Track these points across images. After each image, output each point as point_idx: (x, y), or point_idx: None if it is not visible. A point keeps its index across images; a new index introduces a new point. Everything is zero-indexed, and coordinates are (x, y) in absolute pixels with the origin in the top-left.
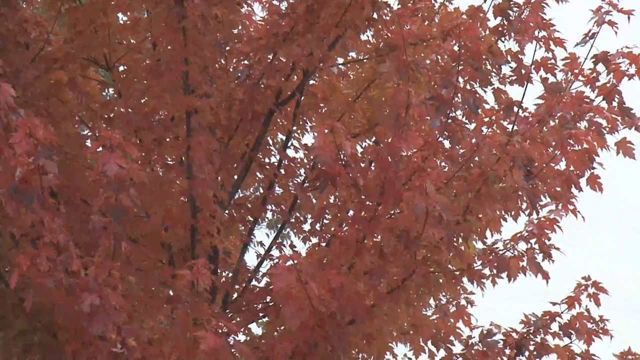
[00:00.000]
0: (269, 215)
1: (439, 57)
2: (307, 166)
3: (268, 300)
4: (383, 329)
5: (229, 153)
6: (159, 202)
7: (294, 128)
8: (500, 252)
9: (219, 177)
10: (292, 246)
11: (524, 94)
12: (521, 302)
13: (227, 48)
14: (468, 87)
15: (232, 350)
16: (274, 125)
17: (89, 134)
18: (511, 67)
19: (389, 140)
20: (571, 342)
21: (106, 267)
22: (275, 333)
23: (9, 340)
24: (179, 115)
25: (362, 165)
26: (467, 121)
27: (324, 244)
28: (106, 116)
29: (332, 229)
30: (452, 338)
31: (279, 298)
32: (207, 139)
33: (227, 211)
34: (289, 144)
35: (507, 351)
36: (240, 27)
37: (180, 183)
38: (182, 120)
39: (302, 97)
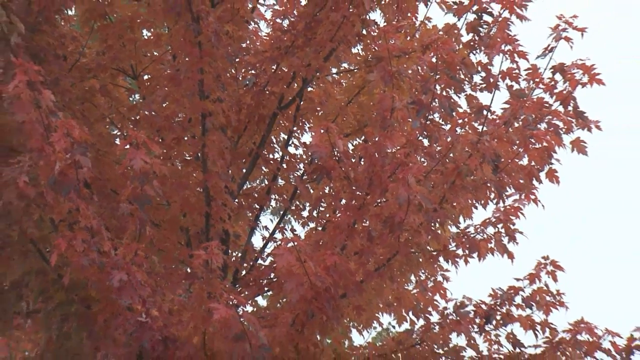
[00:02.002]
0: (273, 203)
1: (419, 67)
2: (306, 161)
3: (272, 276)
4: (371, 301)
5: (238, 150)
6: (178, 192)
7: (294, 128)
8: (472, 236)
9: (230, 171)
10: (292, 230)
11: (492, 99)
12: (489, 278)
13: (237, 59)
14: (444, 93)
15: (241, 320)
16: (277, 126)
17: (118, 133)
18: (481, 76)
19: (376, 139)
20: (532, 313)
21: (133, 248)
22: (278, 305)
23: (50, 310)
24: (195, 117)
25: (353, 160)
26: (443, 122)
27: (320, 228)
28: (132, 118)
29: (327, 215)
30: (430, 309)
31: (281, 275)
32: (220, 138)
33: (236, 200)
34: (290, 142)
35: (477, 320)
36: (248, 42)
37: (196, 176)
38: (198, 122)
39: (301, 102)
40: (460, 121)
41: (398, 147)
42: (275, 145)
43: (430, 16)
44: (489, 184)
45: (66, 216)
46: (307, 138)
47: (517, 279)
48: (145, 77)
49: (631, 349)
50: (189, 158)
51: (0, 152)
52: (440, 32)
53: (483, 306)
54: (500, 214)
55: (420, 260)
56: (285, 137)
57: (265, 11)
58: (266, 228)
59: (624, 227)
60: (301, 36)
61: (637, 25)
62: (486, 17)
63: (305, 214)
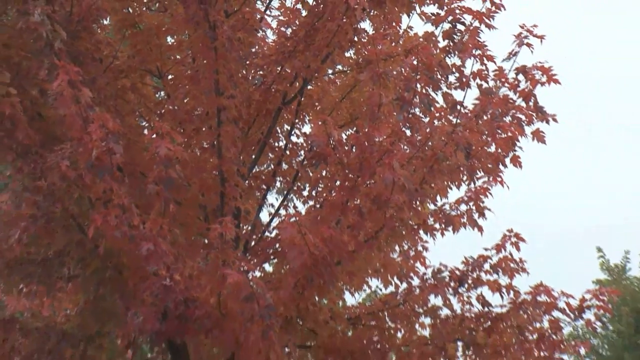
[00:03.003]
0: (278, 184)
1: (402, 69)
2: (306, 149)
3: (277, 246)
4: (361, 268)
5: (248, 139)
6: (197, 175)
7: (296, 121)
8: (447, 212)
9: (241, 157)
10: (294, 207)
11: (464, 96)
12: (462, 248)
13: (247, 62)
14: (424, 91)
15: (250, 283)
16: (281, 118)
17: (146, 125)
18: (455, 77)
19: (366, 129)
20: (498, 277)
21: (158, 222)
22: (282, 271)
23: (87, 276)
24: (212, 111)
25: (346, 148)
26: (423, 116)
27: (318, 206)
28: (158, 112)
29: (324, 194)
30: (411, 274)
31: (284, 245)
32: (232, 129)
33: (247, 181)
34: (292, 132)
35: (452, 284)
36: (256, 47)
37: (212, 161)
38: (214, 115)
39: (302, 98)
40: (437, 115)
41: (384, 137)
42: (280, 135)
43: (411, 25)
44: (462, 168)
45: (101, 195)
46: (307, 129)
47: (486, 249)
48: (169, 76)
49: (583, 308)
50: (206, 146)
51: (46, 140)
52: (421, 39)
53: (457, 272)
54: (471, 193)
55: (404, 232)
56: (288, 128)
57: (272, 21)
58: (272, 205)
59: (575, 205)
60: (302, 42)
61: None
62: (459, 26)
63: (305, 193)
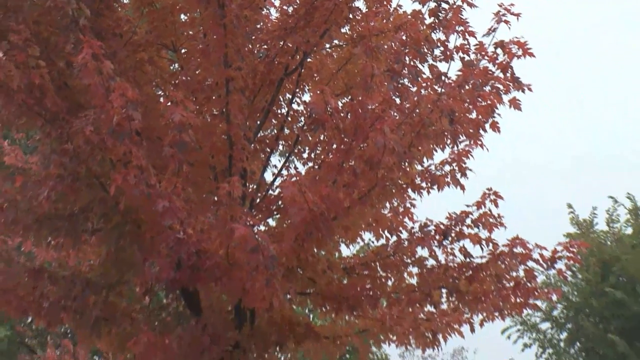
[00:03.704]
0: (280, 147)
1: (393, 43)
2: (305, 115)
3: (279, 203)
4: (355, 222)
5: (254, 107)
6: (208, 139)
7: (297, 90)
8: (433, 172)
9: (247, 123)
10: (295, 168)
11: (448, 68)
12: (446, 205)
13: (253, 37)
14: (412, 63)
15: (256, 236)
16: (284, 88)
17: (162, 94)
18: (440, 50)
19: (360, 98)
20: (479, 231)
21: (172, 181)
22: (284, 225)
23: (109, 229)
24: (221, 82)
25: (342, 114)
26: (411, 86)
27: (316, 167)
28: (173, 82)
29: (322, 156)
30: (400, 228)
31: (286, 202)
32: (239, 97)
33: (252, 145)
34: (294, 101)
35: (437, 237)
36: (261, 23)
37: (221, 126)
38: (223, 85)
39: (302, 70)
40: (424, 85)
41: (376, 105)
42: (282, 103)
43: (401, 4)
44: (446, 133)
45: (121, 157)
46: (306, 97)
47: (468, 205)
48: (183, 50)
49: (554, 259)
50: (216, 113)
51: (71, 108)
52: (409, 17)
53: (441, 226)
54: (454, 155)
55: (393, 191)
56: (290, 96)
57: (275, 0)
58: (275, 166)
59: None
60: (302, 19)
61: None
62: (444, 5)
63: (305, 155)
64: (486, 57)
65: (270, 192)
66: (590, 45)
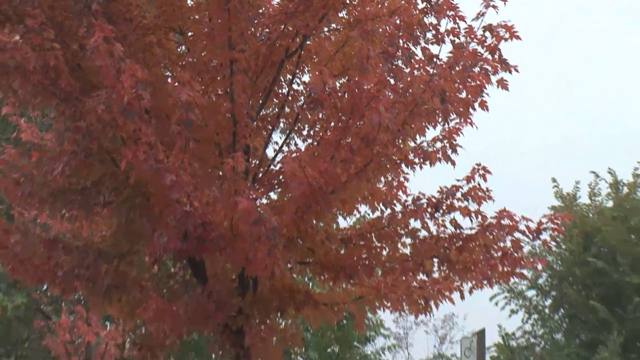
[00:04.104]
0: (281, 125)
1: (387, 27)
2: (305, 95)
3: (280, 178)
4: (352, 196)
5: (256, 87)
6: (213, 117)
7: (297, 71)
8: (425, 148)
9: (250, 102)
10: (295, 145)
11: (439, 50)
12: (438, 179)
13: (255, 21)
14: (405, 46)
15: (258, 209)
16: (284, 69)
17: (169, 75)
18: (432, 34)
19: (356, 78)
20: (468, 204)
21: (180, 157)
22: (285, 198)
23: (120, 202)
24: (225, 63)
25: (339, 94)
26: (404, 67)
27: (315, 144)
28: (180, 64)
29: (321, 134)
30: (395, 201)
31: (287, 177)
32: (243, 78)
33: (255, 122)
34: (294, 81)
35: (429, 209)
36: (263, 8)
37: (225, 105)
38: (227, 66)
39: (302, 52)
40: (417, 66)
41: (372, 85)
42: (283, 83)
43: None
44: (437, 111)
45: (132, 134)
46: (306, 78)
47: (458, 180)
48: (189, 33)
49: (540, 230)
50: (220, 92)
51: (84, 88)
52: (403, 2)
53: (433, 199)
54: (445, 133)
55: (388, 166)
56: (290, 77)
57: None
58: (276, 143)
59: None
60: (302, 4)
61: None
62: None
63: (304, 132)
64: (475, 40)
65: (272, 167)
66: (579, 30)
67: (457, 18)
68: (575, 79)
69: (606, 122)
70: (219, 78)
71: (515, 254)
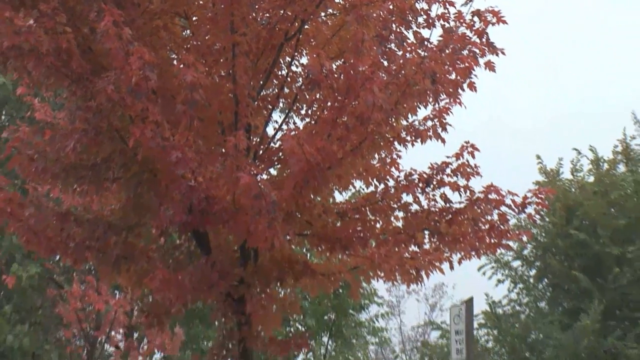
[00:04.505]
0: (281, 104)
1: (381, 12)
2: (303, 76)
3: (280, 155)
4: (348, 172)
5: (257, 68)
6: (216, 97)
7: (296, 54)
8: (417, 127)
9: (251, 83)
10: (294, 123)
11: (430, 34)
12: (428, 156)
13: (256, 6)
14: (398, 30)
15: (259, 184)
16: (284, 52)
17: (175, 57)
18: (423, 18)
19: (352, 61)
20: (457, 179)
21: (185, 135)
22: (284, 174)
23: (128, 178)
24: (228, 46)
25: (336, 76)
26: (397, 50)
27: (313, 122)
28: (185, 47)
29: (318, 113)
30: (388, 177)
31: (286, 154)
32: (245, 60)
33: (256, 102)
34: (293, 63)
35: (420, 185)
36: None
37: (228, 86)
38: (229, 49)
39: (300, 36)
40: (409, 49)
41: (366, 67)
42: (283, 65)
43: None
44: (428, 92)
45: (139, 113)
46: (304, 60)
47: (447, 157)
48: (194, 18)
49: (525, 204)
50: (223, 74)
51: (94, 69)
52: None
53: (424, 175)
54: (436, 112)
55: (381, 143)
56: (289, 59)
57: None
58: (276, 122)
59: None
60: None
61: None
62: None
63: (303, 112)
64: (464, 25)
65: (272, 144)
66: (566, 14)
67: (447, 3)
68: (561, 60)
69: (591, 102)
70: (222, 60)
71: (502, 227)
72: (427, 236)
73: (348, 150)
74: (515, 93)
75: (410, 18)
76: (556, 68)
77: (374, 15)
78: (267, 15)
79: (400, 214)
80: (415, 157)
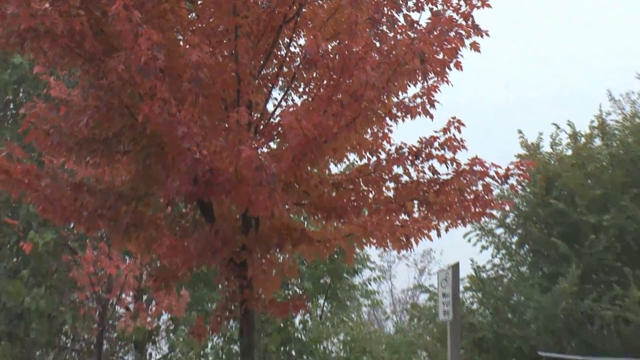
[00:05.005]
0: (280, 83)
1: None
2: (301, 56)
3: (279, 130)
4: (342, 145)
5: (258, 49)
6: (219, 76)
7: (294, 35)
8: (407, 104)
9: (252, 62)
10: (292, 100)
11: (420, 17)
12: (417, 130)
13: None
14: (389, 13)
15: (259, 157)
16: (283, 33)
17: (181, 38)
18: (413, 2)
19: (346, 42)
20: (445, 152)
21: (190, 111)
22: (283, 147)
23: (138, 150)
24: (230, 28)
25: (331, 56)
26: (388, 31)
27: (310, 99)
28: (190, 28)
29: (315, 91)
30: (380, 150)
31: (285, 128)
32: (246, 41)
33: (256, 81)
34: (291, 44)
35: (410, 157)
36: None
37: (231, 65)
38: (232, 31)
39: (298, 18)
40: (399, 31)
41: (360, 48)
42: (282, 46)
43: None
44: (417, 71)
45: (148, 91)
46: (302, 42)
47: (435, 131)
48: (199, 2)
49: (507, 176)
50: (226, 54)
51: (106, 50)
52: None
53: (414, 148)
54: (424, 90)
55: (374, 119)
56: (288, 40)
57: None
58: (275, 99)
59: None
60: None
61: None
62: None
63: (300, 90)
64: (451, 8)
65: (272, 120)
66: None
67: None
68: (543, 41)
69: (573, 80)
70: (225, 41)
71: (486, 197)
72: (416, 205)
73: (343, 125)
74: (499, 71)
75: (401, 2)
76: (538, 48)
77: None
78: None
79: (391, 185)
80: (406, 132)
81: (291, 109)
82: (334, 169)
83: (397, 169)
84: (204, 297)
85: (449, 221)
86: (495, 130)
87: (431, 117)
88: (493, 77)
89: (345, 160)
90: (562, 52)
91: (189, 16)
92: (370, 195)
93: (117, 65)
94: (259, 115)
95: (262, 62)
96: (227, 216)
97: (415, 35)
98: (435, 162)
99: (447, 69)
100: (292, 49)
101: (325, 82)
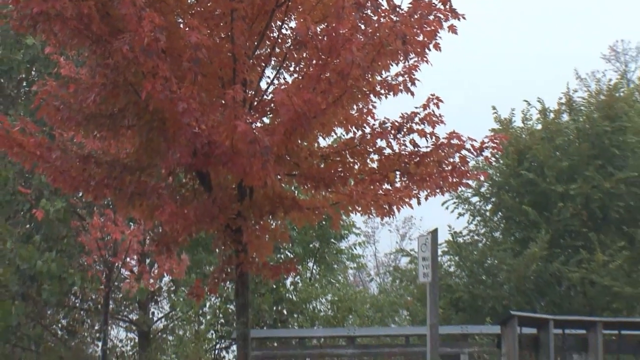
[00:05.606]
0: (272, 62)
1: None
2: (292, 38)
3: (272, 106)
4: (330, 120)
5: (252, 31)
6: (217, 55)
7: (285, 18)
8: (390, 82)
9: (247, 43)
10: (284, 79)
11: (401, 1)
12: (399, 106)
13: None
14: None
15: (253, 131)
16: (275, 17)
17: (181, 21)
18: None
19: (334, 25)
20: (424, 127)
21: (190, 88)
22: (275, 122)
23: (141, 125)
24: (227, 12)
25: (320, 37)
26: (373, 15)
27: (300, 78)
28: (190, 12)
29: (305, 70)
30: (365, 125)
31: (277, 105)
32: (242, 23)
33: (251, 60)
34: (283, 27)
35: (393, 132)
36: None
37: (227, 46)
38: (228, 14)
39: (290, 3)
40: (383, 14)
41: (346, 30)
42: (274, 28)
43: None
44: (399, 52)
45: (150, 70)
46: (293, 24)
47: (416, 107)
48: None
49: (482, 148)
50: (223, 36)
51: (112, 32)
52: None
53: (396, 123)
54: (406, 69)
55: (359, 96)
56: (280, 23)
57: None
58: (268, 77)
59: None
60: None
61: None
62: None
63: (291, 69)
64: None
65: (265, 97)
66: None
67: None
68: (521, 24)
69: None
70: (221, 24)
71: (462, 168)
72: (398, 176)
73: (330, 101)
74: (477, 52)
75: None
76: (514, 32)
77: None
78: None
79: (375, 157)
80: (388, 108)
81: (283, 87)
82: (323, 142)
83: (381, 142)
84: (203, 260)
85: (429, 190)
86: (472, 106)
87: (412, 94)
88: (475, 58)
89: (332, 134)
90: (544, 34)
91: (189, 0)
92: (356, 167)
93: (122, 46)
94: (253, 93)
95: (256, 43)
96: (224, 185)
97: (398, 19)
98: (415, 136)
99: (426, 50)
100: (283, 31)
101: (314, 61)
